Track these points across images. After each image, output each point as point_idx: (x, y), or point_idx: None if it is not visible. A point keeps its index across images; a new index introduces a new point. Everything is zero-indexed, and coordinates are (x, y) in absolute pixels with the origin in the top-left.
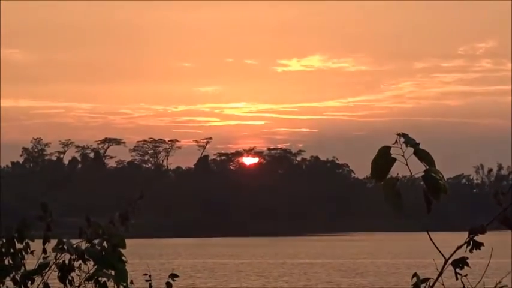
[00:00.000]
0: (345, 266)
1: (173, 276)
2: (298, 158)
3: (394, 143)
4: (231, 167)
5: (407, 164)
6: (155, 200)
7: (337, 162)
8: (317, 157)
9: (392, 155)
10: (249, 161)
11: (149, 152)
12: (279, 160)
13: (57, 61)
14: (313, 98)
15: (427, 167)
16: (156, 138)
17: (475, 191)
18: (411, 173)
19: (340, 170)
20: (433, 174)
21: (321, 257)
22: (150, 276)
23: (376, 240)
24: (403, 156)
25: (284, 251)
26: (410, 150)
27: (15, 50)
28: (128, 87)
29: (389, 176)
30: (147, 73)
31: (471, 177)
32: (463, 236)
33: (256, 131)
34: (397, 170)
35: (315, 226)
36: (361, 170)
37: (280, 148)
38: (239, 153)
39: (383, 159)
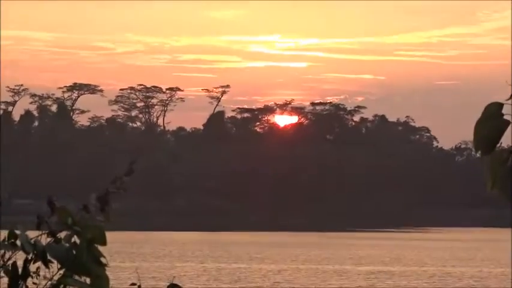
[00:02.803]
0: (436, 277)
1: (173, 287)
2: (356, 118)
3: (509, 99)
4: (257, 130)
5: None
6: (147, 177)
7: (412, 124)
8: (383, 117)
9: (505, 117)
10: (283, 120)
11: (138, 105)
12: (327, 120)
13: None
14: (378, 29)
15: None
16: (149, 86)
17: None
18: None
19: (417, 136)
20: None
21: (394, 263)
22: (139, 286)
23: (473, 239)
24: None
25: (337, 254)
26: None
27: None
28: (108, 9)
29: (498, 146)
30: None
31: None
32: None
33: (295, 77)
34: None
35: (379, 218)
36: (448, 136)
37: (330, 103)
38: (269, 110)
39: (492, 122)
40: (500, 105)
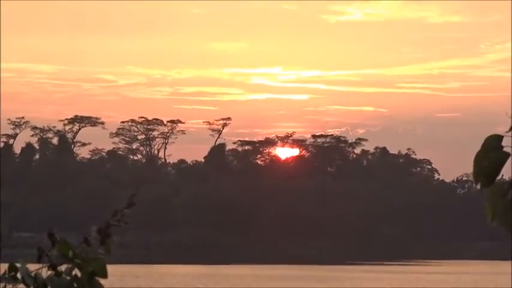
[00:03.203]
0: None
1: None
2: (358, 150)
3: (509, 131)
4: (258, 162)
5: None
6: (148, 210)
7: (413, 157)
8: (384, 149)
9: (505, 149)
10: (284, 153)
11: (139, 137)
12: (329, 153)
13: (6, 4)
14: (380, 61)
15: None
16: (150, 118)
17: None
18: None
19: (419, 169)
20: None
21: None
22: None
23: (474, 272)
24: None
25: (337, 287)
26: None
27: None
28: (109, 42)
29: (499, 179)
30: (139, 22)
31: None
32: None
33: (297, 110)
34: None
35: (380, 250)
36: (450, 168)
37: (331, 135)
38: (270, 142)
39: (492, 154)
40: (499, 138)
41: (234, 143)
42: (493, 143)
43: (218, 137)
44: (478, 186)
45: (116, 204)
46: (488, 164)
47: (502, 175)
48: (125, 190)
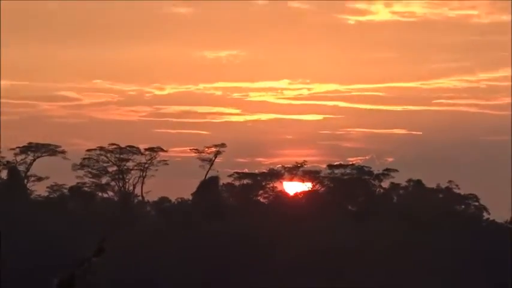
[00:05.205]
0: None
1: None
2: (385, 184)
3: None
4: (260, 200)
5: None
6: (122, 259)
7: (456, 191)
8: (419, 182)
9: None
10: (293, 188)
11: (110, 169)
12: (349, 187)
13: None
14: (413, 72)
15: None
16: (123, 145)
17: None
18: None
19: (463, 206)
20: None
21: None
22: None
23: None
24: None
25: None
26: None
27: None
28: (72, 51)
29: None
30: (108, 26)
31: None
32: None
33: (309, 133)
34: None
35: None
36: (502, 205)
37: (352, 165)
38: (275, 174)
39: None
40: None
41: (230, 175)
42: None
43: (209, 169)
44: None
45: (82, 252)
46: None
47: None
48: (93, 235)
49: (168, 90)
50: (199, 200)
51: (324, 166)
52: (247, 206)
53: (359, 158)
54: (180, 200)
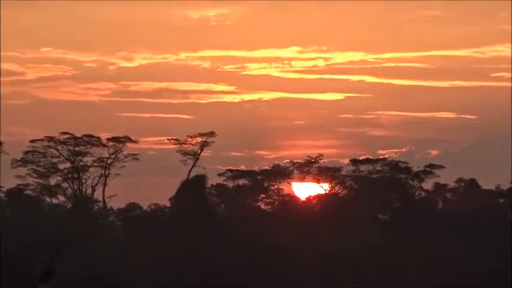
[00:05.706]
0: None
1: None
2: (427, 185)
3: None
4: (262, 206)
5: None
6: (79, 280)
7: None
8: (473, 181)
9: None
10: (304, 190)
11: (61, 166)
12: (380, 188)
13: None
14: (463, 37)
15: None
16: (78, 135)
17: None
18: None
19: None
20: None
21: None
22: None
23: None
24: None
25: None
26: None
27: None
28: (12, 9)
29: None
30: None
31: None
32: None
33: (325, 117)
34: None
35: None
36: None
37: (383, 159)
38: (280, 172)
39: None
40: None
41: (221, 174)
42: None
43: (194, 165)
44: None
45: (25, 275)
46: None
47: None
48: (39, 252)
49: (139, 60)
50: (180, 206)
51: (346, 161)
52: (243, 214)
53: (392, 150)
54: (154, 206)
